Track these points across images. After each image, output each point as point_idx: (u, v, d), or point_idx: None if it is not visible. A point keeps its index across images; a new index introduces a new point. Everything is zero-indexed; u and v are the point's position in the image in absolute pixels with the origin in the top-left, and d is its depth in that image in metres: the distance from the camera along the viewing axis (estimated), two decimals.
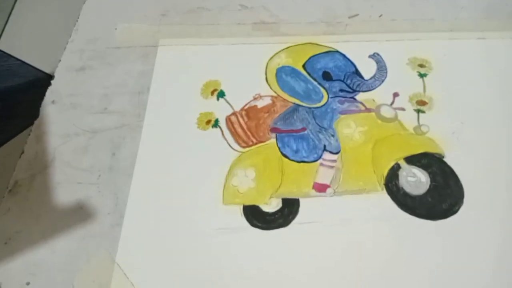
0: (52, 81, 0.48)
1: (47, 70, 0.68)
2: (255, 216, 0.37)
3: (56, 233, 0.36)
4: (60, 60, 0.50)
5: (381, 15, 0.52)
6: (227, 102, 0.45)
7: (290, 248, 0.35)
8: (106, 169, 0.40)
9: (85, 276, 0.34)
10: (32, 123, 0.48)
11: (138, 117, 0.44)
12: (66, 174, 0.40)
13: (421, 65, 0.47)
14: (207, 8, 0.54)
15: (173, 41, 0.51)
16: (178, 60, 0.49)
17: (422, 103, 0.44)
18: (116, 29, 0.52)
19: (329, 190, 0.38)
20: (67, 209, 0.38)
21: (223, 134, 0.42)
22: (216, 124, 0.43)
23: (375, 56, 0.48)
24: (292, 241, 0.35)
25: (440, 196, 0.37)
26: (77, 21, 0.54)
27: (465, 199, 0.37)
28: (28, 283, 0.34)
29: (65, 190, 0.39)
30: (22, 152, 0.42)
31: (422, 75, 0.46)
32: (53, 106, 0.45)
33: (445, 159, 0.39)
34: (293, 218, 0.37)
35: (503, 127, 0.42)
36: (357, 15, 0.53)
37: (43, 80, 0.61)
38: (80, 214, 0.37)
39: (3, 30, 0.76)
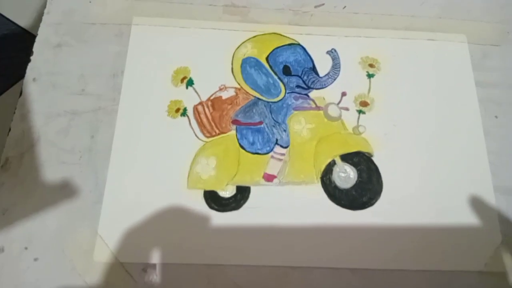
0: (31, 57, 0.51)
1: (21, 23, 0.69)
2: (213, 200, 0.45)
3: (46, 206, 0.44)
4: (37, 34, 0.52)
5: (345, 7, 0.56)
6: (195, 91, 0.50)
7: (240, 228, 0.44)
8: (86, 151, 0.47)
9: (72, 244, 0.42)
10: (15, 83, 0.52)
11: (113, 101, 0.49)
12: (51, 153, 0.46)
13: (371, 65, 0.52)
14: None
15: (146, 20, 0.53)
16: (151, 43, 0.52)
17: (364, 104, 0.50)
18: (90, 1, 0.54)
19: (275, 180, 0.46)
20: (54, 186, 0.45)
21: (190, 123, 0.48)
22: (184, 113, 0.49)
23: (332, 53, 0.53)
24: (242, 222, 0.44)
25: (362, 190, 0.46)
26: None
27: (382, 194, 0.46)
28: (26, 248, 0.42)
29: (51, 169, 0.46)
30: (9, 130, 0.47)
31: (370, 76, 0.52)
32: (35, 84, 0.49)
33: (373, 158, 0.48)
34: (244, 203, 0.45)
35: (430, 132, 0.49)
36: (323, 4, 0.56)
37: (20, 35, 0.63)
38: (65, 191, 0.45)
39: None
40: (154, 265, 0.42)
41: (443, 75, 0.52)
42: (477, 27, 0.55)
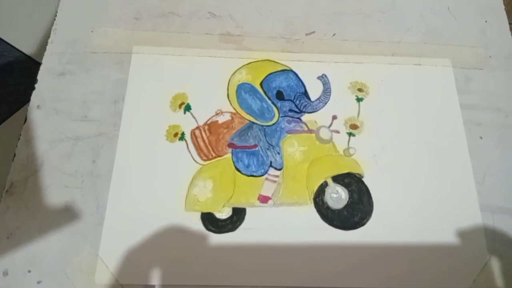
0: (36, 85, 0.53)
1: (25, 51, 0.72)
2: (210, 222, 0.47)
3: (49, 229, 0.46)
4: (41, 62, 0.55)
5: (334, 34, 0.59)
6: (193, 116, 0.52)
7: (237, 249, 0.46)
8: (88, 175, 0.48)
9: (74, 266, 0.44)
10: (19, 108, 0.54)
11: (114, 126, 0.51)
12: (54, 177, 0.48)
13: (360, 89, 0.55)
14: (177, 14, 0.59)
15: (146, 48, 0.56)
16: (150, 70, 0.55)
17: (354, 126, 0.53)
18: (92, 32, 0.57)
19: (270, 202, 0.48)
20: (57, 210, 0.46)
21: (188, 147, 0.51)
22: (182, 137, 0.51)
23: (322, 78, 0.55)
24: (238, 243, 0.46)
25: (353, 210, 0.48)
26: (55, 19, 0.57)
27: (373, 214, 0.48)
28: (29, 271, 0.44)
29: (54, 192, 0.47)
30: (14, 156, 0.49)
31: (359, 100, 0.54)
32: (39, 111, 0.52)
33: (364, 179, 0.50)
34: (240, 224, 0.47)
35: (418, 153, 0.51)
36: (313, 32, 0.59)
37: (24, 62, 0.66)
38: (68, 214, 0.46)
39: None
40: (153, 287, 0.43)
41: (429, 98, 0.55)
42: (461, 51, 0.58)
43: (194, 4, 0.59)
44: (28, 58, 0.67)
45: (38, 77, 0.54)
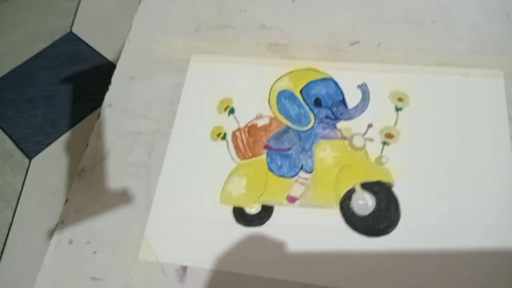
0: (110, 87, 0.63)
1: (108, 57, 0.84)
2: (240, 215, 0.51)
3: (108, 209, 0.54)
4: (116, 68, 0.65)
5: (379, 44, 0.59)
6: (235, 118, 0.57)
7: (261, 242, 0.50)
8: (143, 165, 0.56)
9: (124, 242, 0.52)
10: (98, 107, 0.65)
11: (168, 125, 0.58)
12: (116, 166, 0.57)
13: (400, 99, 0.55)
14: (232, 26, 0.65)
15: (202, 57, 0.63)
16: (203, 77, 0.61)
17: (389, 136, 0.53)
18: (158, 42, 0.65)
19: (297, 202, 0.51)
20: (115, 193, 0.55)
21: (228, 147, 0.56)
22: (224, 137, 0.56)
23: (362, 87, 0.56)
24: (263, 237, 0.50)
25: (379, 218, 0.49)
26: (129, 31, 0.67)
27: (399, 223, 0.48)
28: (88, 242, 0.53)
29: (115, 179, 0.56)
30: (87, 145, 0.59)
31: (398, 109, 0.54)
32: (110, 109, 0.61)
33: (393, 188, 0.50)
34: (267, 220, 0.51)
35: (455, 167, 0.50)
36: (358, 42, 0.60)
37: (106, 67, 0.77)
38: (124, 198, 0.54)
39: (75, 14, 0.92)
40: (185, 267, 0.49)
41: (474, 110, 0.53)
42: None
43: (247, 17, 0.65)
44: (109, 63, 0.79)
45: (112, 80, 0.63)
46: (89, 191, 0.56)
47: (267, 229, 0.50)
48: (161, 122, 0.59)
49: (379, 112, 0.55)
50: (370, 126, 0.54)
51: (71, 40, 0.86)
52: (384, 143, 0.52)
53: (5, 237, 0.61)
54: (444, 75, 0.56)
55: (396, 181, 0.50)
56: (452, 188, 0.49)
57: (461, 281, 0.45)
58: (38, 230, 0.56)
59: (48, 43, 0.86)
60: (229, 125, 0.57)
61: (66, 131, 0.72)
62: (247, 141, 0.55)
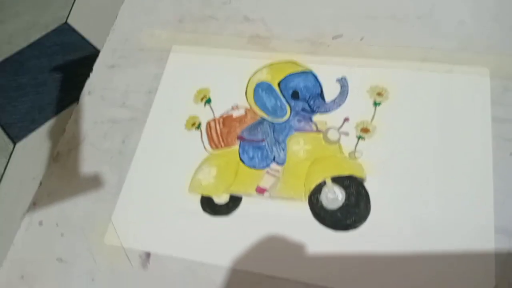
0: (91, 74, 0.63)
1: (99, 47, 0.85)
2: (208, 205, 0.50)
3: (79, 194, 0.54)
4: (98, 56, 0.65)
5: (362, 38, 0.58)
6: (211, 109, 0.57)
7: (226, 232, 0.49)
8: (117, 153, 0.56)
9: (91, 227, 0.51)
10: None
11: (144, 114, 0.58)
12: (90, 152, 0.57)
13: (379, 94, 0.54)
14: (216, 18, 0.64)
15: (183, 48, 0.63)
16: (183, 67, 0.61)
17: (365, 130, 0.52)
18: (141, 31, 0.65)
19: (266, 194, 0.50)
20: (87, 178, 0.55)
21: (201, 136, 0.55)
22: (198, 126, 0.56)
23: (341, 81, 0.55)
24: (228, 227, 0.49)
25: (347, 213, 0.47)
26: (114, 21, 0.68)
27: (368, 220, 0.47)
28: (57, 224, 0.52)
29: (88, 164, 0.56)
30: (64, 131, 0.59)
31: (376, 104, 0.53)
32: (89, 97, 0.61)
33: (365, 184, 0.49)
34: (234, 210, 0.50)
35: (432, 164, 0.48)
36: (341, 35, 0.59)
37: (96, 57, 0.77)
38: (95, 183, 0.54)
39: (72, 5, 0.93)
40: (148, 254, 0.49)
41: (456, 108, 0.51)
42: (502, 61, 0.52)
43: (231, 9, 0.64)
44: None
45: (94, 68, 0.64)
46: (63, 175, 0.56)
47: (233, 219, 0.49)
48: (137, 110, 0.59)
49: (356, 106, 0.53)
50: (346, 120, 0.52)
51: (65, 30, 0.87)
52: (359, 138, 0.51)
53: None
54: (426, 71, 0.54)
55: (369, 177, 0.49)
56: (426, 187, 0.47)
57: (426, 284, 0.43)
58: (15, 212, 0.56)
59: (43, 33, 0.87)
60: (205, 115, 0.57)
61: (51, 118, 0.72)
62: (221, 132, 0.55)
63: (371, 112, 0.53)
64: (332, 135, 0.52)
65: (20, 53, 0.85)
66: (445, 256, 0.44)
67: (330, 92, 0.55)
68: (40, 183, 0.56)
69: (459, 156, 0.48)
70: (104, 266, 0.49)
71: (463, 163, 0.48)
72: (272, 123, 0.54)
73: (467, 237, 0.44)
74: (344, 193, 0.48)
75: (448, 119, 0.50)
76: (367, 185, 0.48)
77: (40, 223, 0.53)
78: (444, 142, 0.49)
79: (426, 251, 0.44)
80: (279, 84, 0.56)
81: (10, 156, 0.67)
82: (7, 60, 0.84)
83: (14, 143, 0.69)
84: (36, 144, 0.66)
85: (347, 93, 0.54)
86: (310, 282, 0.44)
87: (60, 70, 0.79)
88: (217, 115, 0.56)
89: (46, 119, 0.73)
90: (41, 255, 0.51)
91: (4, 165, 0.66)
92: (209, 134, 0.55)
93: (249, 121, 0.55)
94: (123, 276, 0.48)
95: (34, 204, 0.54)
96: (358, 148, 0.51)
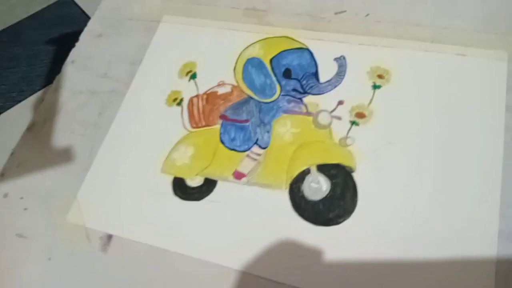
0: (76, 44, 0.60)
1: None
2: (180, 187, 0.46)
3: (49, 166, 0.50)
4: (87, 25, 0.61)
5: (367, 14, 0.52)
6: (196, 84, 0.52)
7: (195, 219, 0.44)
8: (92, 125, 0.52)
9: (56, 202, 0.48)
10: None
11: (125, 85, 0.54)
12: (66, 123, 0.53)
13: (379, 76, 0.47)
14: None
15: (174, 18, 0.58)
16: (171, 39, 0.57)
17: (360, 115, 0.46)
18: (133, 0, 0.61)
19: (244, 179, 0.45)
20: (59, 151, 0.51)
21: (182, 113, 0.51)
22: (180, 102, 0.51)
23: (339, 60, 0.49)
24: (199, 214, 0.44)
25: (330, 206, 0.42)
26: None
27: (353, 215, 0.41)
28: (22, 198, 0.49)
29: (62, 136, 0.52)
30: (43, 100, 0.56)
31: (375, 87, 0.47)
32: (72, 66, 0.58)
33: (354, 174, 0.43)
34: (207, 195, 0.45)
35: (433, 157, 0.42)
36: (344, 11, 0.53)
37: None
38: (66, 155, 0.51)
39: None
40: (110, 236, 0.44)
41: (465, 96, 0.44)
42: None
43: None
44: None
45: (80, 37, 0.60)
46: (35, 146, 0.53)
47: (205, 205, 0.45)
48: (119, 82, 0.55)
49: (353, 89, 0.47)
50: (340, 103, 0.47)
51: (66, 3, 0.84)
52: (353, 123, 0.45)
53: None
54: (436, 52, 0.47)
55: (359, 167, 0.43)
56: (424, 184, 0.41)
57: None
58: None
59: (44, 5, 0.84)
60: (188, 90, 0.52)
61: (38, 90, 0.69)
62: (203, 109, 0.50)
63: (369, 96, 0.47)
64: (323, 118, 0.46)
65: (19, 24, 0.83)
66: (437, 263, 0.38)
67: (326, 72, 0.49)
68: (12, 153, 0.53)
69: (465, 149, 0.42)
70: (63, 245, 0.45)
71: (469, 158, 0.41)
72: (259, 103, 0.49)
73: (466, 244, 0.38)
74: (329, 183, 0.43)
75: (456, 107, 0.44)
76: (356, 176, 0.43)
77: (5, 195, 0.50)
78: (449, 133, 0.43)
79: (415, 256, 0.38)
80: (271, 61, 0.51)
81: None
82: (4, 30, 0.82)
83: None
84: (19, 116, 0.63)
85: (345, 74, 0.48)
86: (278, 280, 0.39)
87: (56, 43, 0.77)
88: (202, 91, 0.51)
89: (33, 92, 0.70)
90: (1, 228, 0.48)
91: None
92: (191, 110, 0.50)
93: (235, 99, 0.50)
94: (81, 257, 0.44)
95: (2, 175, 0.51)
96: (350, 134, 0.45)
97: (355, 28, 0.51)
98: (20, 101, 0.69)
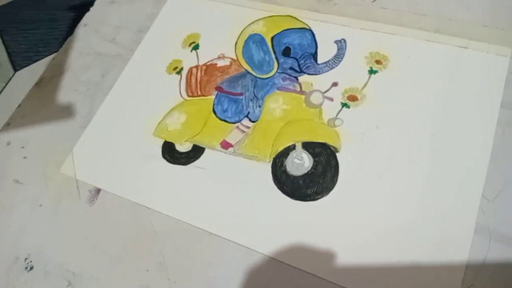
0: (91, 8, 0.62)
1: None
2: (168, 151, 0.47)
3: (50, 119, 0.53)
4: None
5: (374, 0, 0.52)
6: (197, 55, 0.53)
7: (180, 182, 0.45)
8: (94, 85, 0.54)
9: (52, 154, 0.50)
10: None
11: (130, 51, 0.56)
12: (70, 81, 0.55)
13: (377, 61, 0.47)
14: None
15: None
16: (180, 10, 0.58)
17: (352, 98, 0.46)
18: None
19: (230, 149, 0.46)
20: (61, 107, 0.53)
21: (180, 82, 0.52)
22: (179, 71, 0.53)
23: (340, 43, 0.50)
24: (184, 177, 0.45)
25: (310, 182, 0.42)
26: None
27: (331, 193, 0.41)
28: (23, 147, 0.52)
29: (66, 93, 0.55)
30: (53, 59, 0.58)
31: (372, 71, 0.47)
32: (83, 29, 0.60)
33: (338, 154, 0.43)
34: (194, 161, 0.46)
35: (419, 146, 0.42)
36: None
37: None
38: (67, 112, 0.53)
39: None
40: (98, 190, 0.46)
41: (462, 87, 0.44)
42: None
43: None
44: None
45: (95, 2, 0.62)
46: (40, 101, 0.55)
47: (190, 170, 0.46)
48: (124, 47, 0.56)
49: (349, 72, 0.47)
50: (334, 84, 0.47)
51: None
52: (344, 105, 0.46)
53: None
54: (437, 43, 0.47)
55: (344, 148, 0.43)
56: (407, 170, 0.41)
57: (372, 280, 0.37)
58: None
59: None
60: (189, 60, 0.53)
61: (54, 52, 0.72)
62: (201, 79, 0.51)
63: (364, 80, 0.47)
64: (315, 98, 0.46)
65: None
66: (406, 253, 0.38)
67: (326, 53, 0.49)
68: (19, 106, 0.55)
69: (454, 141, 0.41)
70: (54, 194, 0.47)
71: (457, 150, 0.41)
72: (255, 78, 0.50)
73: (436, 233, 0.38)
74: (312, 160, 0.43)
75: (450, 100, 0.44)
76: (340, 156, 0.43)
77: (8, 143, 0.52)
78: (440, 124, 0.42)
79: (385, 241, 0.38)
80: (272, 38, 0.51)
81: (7, 82, 0.68)
82: None
83: (15, 71, 0.70)
84: (33, 74, 0.66)
85: (343, 56, 0.49)
86: (247, 246, 0.40)
87: (76, 9, 0.79)
88: (201, 62, 0.53)
89: (49, 53, 0.73)
90: (1, 173, 0.50)
91: (1, 89, 0.67)
92: (189, 80, 0.52)
93: (232, 72, 0.51)
94: (69, 207, 0.46)
95: (8, 125, 0.54)
96: (340, 116, 0.45)
97: (360, 13, 0.51)
98: (36, 60, 0.72)
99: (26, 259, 0.43)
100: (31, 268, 0.43)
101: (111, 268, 0.42)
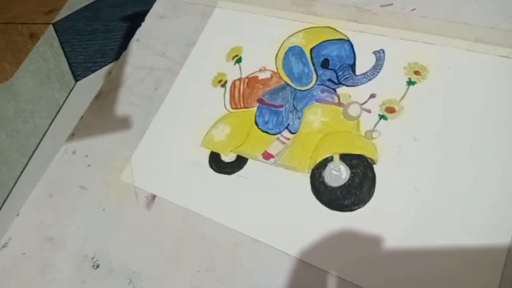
0: (142, 24, 0.67)
1: None
2: (214, 161, 0.51)
3: (108, 130, 0.59)
4: (153, 7, 0.68)
5: (414, 9, 0.52)
6: (240, 68, 0.56)
7: (226, 190, 0.49)
8: (148, 98, 0.59)
9: (112, 162, 0.56)
10: None
11: (179, 65, 0.60)
12: (126, 95, 0.61)
13: (416, 72, 0.48)
14: None
15: (228, 4, 0.62)
16: (224, 23, 0.61)
17: (390, 110, 0.47)
18: None
19: (271, 160, 0.49)
20: (119, 118, 0.59)
21: (224, 94, 0.55)
22: (224, 84, 0.56)
23: (378, 53, 0.51)
24: (229, 186, 0.49)
25: (347, 193, 0.44)
26: None
27: (368, 205, 0.43)
28: (86, 156, 0.58)
29: (122, 105, 0.60)
30: (110, 73, 0.64)
31: (410, 83, 0.48)
32: (136, 43, 0.65)
33: (375, 166, 0.45)
34: (238, 171, 0.50)
35: (457, 161, 0.42)
36: (391, 4, 0.54)
37: None
38: (124, 123, 0.58)
39: None
40: (154, 196, 0.52)
41: (502, 99, 0.44)
42: None
43: None
44: None
45: (146, 18, 0.67)
46: (100, 112, 0.61)
47: (235, 179, 0.50)
48: (174, 61, 0.61)
49: (387, 83, 0.49)
50: (372, 96, 0.48)
51: None
52: (382, 117, 0.47)
53: (38, 141, 0.70)
54: (479, 52, 0.47)
55: (381, 160, 0.45)
56: (444, 186, 0.42)
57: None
58: (61, 140, 0.63)
59: None
60: (233, 73, 0.56)
61: (110, 62, 0.78)
62: (243, 92, 0.54)
63: (402, 91, 0.48)
64: (353, 110, 0.48)
65: (98, 1, 0.92)
66: (440, 264, 0.39)
67: (364, 64, 0.51)
68: (82, 117, 0.62)
69: (494, 154, 0.42)
70: (115, 199, 0.53)
71: (496, 163, 0.41)
72: (295, 90, 0.52)
73: (473, 252, 0.39)
74: (349, 172, 0.45)
75: (490, 110, 0.44)
76: (377, 168, 0.45)
77: (74, 152, 0.59)
78: (480, 136, 0.43)
79: (423, 251, 0.40)
80: (311, 50, 0.53)
81: (70, 92, 0.75)
82: (86, 7, 0.91)
83: (76, 81, 0.77)
84: (92, 84, 0.72)
85: (381, 67, 0.50)
86: (288, 253, 0.43)
87: (128, 20, 0.85)
88: (244, 75, 0.56)
89: (106, 63, 0.79)
90: (68, 179, 0.57)
91: (64, 99, 0.74)
92: (232, 92, 0.55)
93: (273, 84, 0.54)
94: (129, 211, 0.52)
95: (73, 135, 0.61)
96: (377, 127, 0.47)
97: (399, 22, 0.52)
98: (95, 71, 0.78)
99: (92, 258, 0.50)
100: (97, 266, 0.49)
101: (166, 268, 0.47)
